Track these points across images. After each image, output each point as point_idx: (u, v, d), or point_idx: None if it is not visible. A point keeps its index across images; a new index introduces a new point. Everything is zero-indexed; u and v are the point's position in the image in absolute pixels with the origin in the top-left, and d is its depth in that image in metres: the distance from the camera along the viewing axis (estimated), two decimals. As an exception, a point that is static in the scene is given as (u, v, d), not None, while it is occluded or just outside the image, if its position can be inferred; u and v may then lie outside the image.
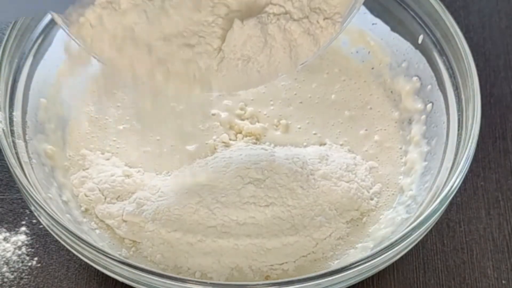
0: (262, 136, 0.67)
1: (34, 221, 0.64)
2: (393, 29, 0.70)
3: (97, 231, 0.61)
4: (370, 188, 0.64)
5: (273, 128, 0.68)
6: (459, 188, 0.57)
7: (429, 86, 0.66)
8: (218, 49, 0.55)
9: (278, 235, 0.59)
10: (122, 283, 0.56)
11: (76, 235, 0.54)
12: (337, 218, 0.61)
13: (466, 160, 0.58)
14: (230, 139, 0.66)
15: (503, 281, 0.62)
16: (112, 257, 0.53)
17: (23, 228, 0.63)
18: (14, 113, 0.61)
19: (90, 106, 0.68)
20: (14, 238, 0.63)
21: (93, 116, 0.68)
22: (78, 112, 0.67)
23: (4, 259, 0.62)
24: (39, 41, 0.65)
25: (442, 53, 0.65)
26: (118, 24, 0.54)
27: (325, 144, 0.66)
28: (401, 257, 0.57)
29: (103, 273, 0.56)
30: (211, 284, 0.53)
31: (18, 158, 0.58)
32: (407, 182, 0.64)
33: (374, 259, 0.54)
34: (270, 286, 0.53)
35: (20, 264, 0.62)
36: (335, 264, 0.59)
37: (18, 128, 0.61)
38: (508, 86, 0.74)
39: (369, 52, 0.71)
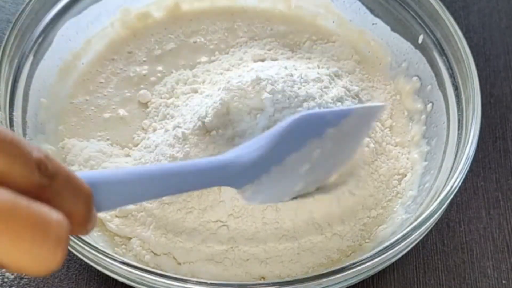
0: None
1: (34, 221, 0.64)
2: (393, 29, 0.70)
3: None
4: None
5: None
6: (459, 188, 0.57)
7: (429, 86, 0.66)
8: None
9: (276, 240, 0.59)
10: (122, 283, 0.56)
11: (76, 235, 0.54)
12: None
13: (466, 160, 0.58)
14: None
15: (503, 281, 0.62)
16: (112, 257, 0.53)
17: (23, 228, 0.63)
18: (14, 113, 0.61)
19: (79, 98, 0.68)
20: (14, 238, 0.63)
21: (79, 107, 0.67)
22: (67, 104, 0.68)
23: (4, 259, 0.62)
24: (39, 41, 0.65)
25: (442, 53, 0.65)
26: None
27: None
28: (401, 257, 0.57)
29: (103, 273, 0.56)
30: (211, 284, 0.53)
31: (18, 158, 0.58)
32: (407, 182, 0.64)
33: (374, 259, 0.54)
34: (270, 286, 0.53)
35: (20, 264, 0.62)
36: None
37: (18, 128, 0.61)
38: (508, 86, 0.74)
39: (369, 52, 0.72)
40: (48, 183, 0.35)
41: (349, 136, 0.56)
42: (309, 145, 0.53)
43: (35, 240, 0.33)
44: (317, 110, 0.57)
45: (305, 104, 0.59)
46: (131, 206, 0.60)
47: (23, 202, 0.33)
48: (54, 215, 0.34)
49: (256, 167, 0.50)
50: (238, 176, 0.50)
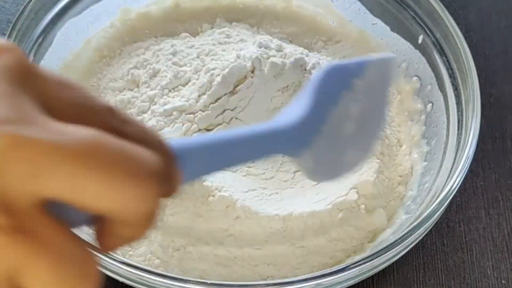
0: None
1: (34, 221, 0.63)
2: (393, 29, 0.70)
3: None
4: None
5: None
6: (459, 188, 0.57)
7: (429, 86, 0.66)
8: None
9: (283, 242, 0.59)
10: (122, 283, 0.56)
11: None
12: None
13: (466, 160, 0.58)
14: None
15: (503, 281, 0.62)
16: (112, 257, 0.53)
17: (23, 228, 0.63)
18: (14, 113, 0.61)
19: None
20: (14, 238, 0.63)
21: None
22: None
23: (4, 259, 0.61)
24: (39, 41, 0.65)
25: (442, 53, 0.65)
26: None
27: None
28: (401, 257, 0.57)
29: (103, 273, 0.56)
30: (211, 284, 0.53)
31: (18, 158, 0.58)
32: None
33: (374, 259, 0.54)
34: (270, 286, 0.53)
35: (21, 264, 0.61)
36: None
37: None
38: (507, 86, 0.74)
39: (369, 52, 0.72)
40: (122, 127, 0.32)
41: (375, 91, 0.56)
42: (344, 99, 0.52)
43: (129, 173, 0.29)
44: (339, 62, 0.57)
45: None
46: None
47: (108, 137, 0.30)
48: (141, 149, 0.30)
49: (306, 127, 0.48)
50: (294, 139, 0.48)
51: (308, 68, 0.64)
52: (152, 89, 0.64)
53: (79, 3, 0.68)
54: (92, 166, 0.29)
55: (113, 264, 0.53)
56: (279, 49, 0.64)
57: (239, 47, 0.66)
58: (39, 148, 0.28)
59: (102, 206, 0.29)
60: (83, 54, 0.69)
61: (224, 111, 0.62)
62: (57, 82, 0.31)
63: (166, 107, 0.62)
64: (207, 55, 0.66)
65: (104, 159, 0.29)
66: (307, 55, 0.65)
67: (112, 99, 0.65)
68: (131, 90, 0.65)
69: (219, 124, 0.62)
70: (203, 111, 0.61)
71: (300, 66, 0.63)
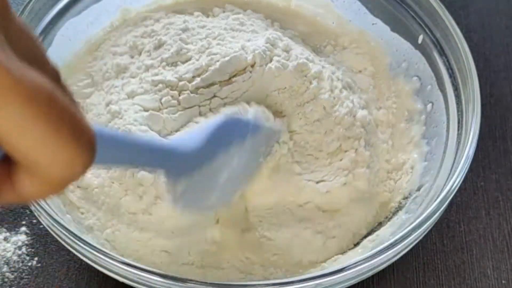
0: None
1: (34, 221, 0.64)
2: (393, 29, 0.70)
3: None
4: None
5: None
6: (459, 188, 0.57)
7: (429, 86, 0.66)
8: None
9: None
10: (123, 283, 0.56)
11: (76, 235, 0.54)
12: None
13: (466, 160, 0.58)
14: None
15: (503, 281, 0.62)
16: (112, 257, 0.53)
17: (23, 228, 0.63)
18: (14, 113, 0.61)
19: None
20: (14, 238, 0.63)
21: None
22: None
23: (4, 259, 0.62)
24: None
25: (442, 53, 0.65)
26: None
27: None
28: (401, 257, 0.57)
29: (103, 273, 0.56)
30: (211, 284, 0.53)
31: (18, 158, 0.58)
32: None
33: (374, 259, 0.54)
34: (270, 286, 0.53)
35: (20, 264, 0.62)
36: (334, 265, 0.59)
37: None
38: (508, 86, 0.74)
39: (369, 52, 0.71)
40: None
41: (255, 153, 0.58)
42: (233, 149, 0.55)
43: (73, 135, 0.30)
44: (242, 116, 0.58)
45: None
46: (93, 181, 0.60)
47: (62, 94, 0.31)
48: (85, 119, 0.32)
49: (193, 159, 0.51)
50: (184, 164, 0.50)
51: (308, 76, 0.63)
52: (152, 59, 0.64)
53: (79, 3, 0.68)
54: (43, 116, 0.29)
55: (113, 264, 0.53)
56: (286, 50, 0.64)
57: (248, 37, 0.65)
58: (3, 79, 0.28)
59: (34, 155, 0.30)
60: (83, 54, 0.69)
61: (213, 97, 0.61)
62: (22, 24, 0.31)
63: (155, 77, 0.62)
64: (215, 38, 0.65)
65: (56, 114, 0.29)
66: (312, 61, 0.64)
67: (109, 61, 0.65)
68: (132, 57, 0.65)
69: (203, 106, 0.61)
70: (192, 93, 0.61)
71: (301, 71, 0.63)
